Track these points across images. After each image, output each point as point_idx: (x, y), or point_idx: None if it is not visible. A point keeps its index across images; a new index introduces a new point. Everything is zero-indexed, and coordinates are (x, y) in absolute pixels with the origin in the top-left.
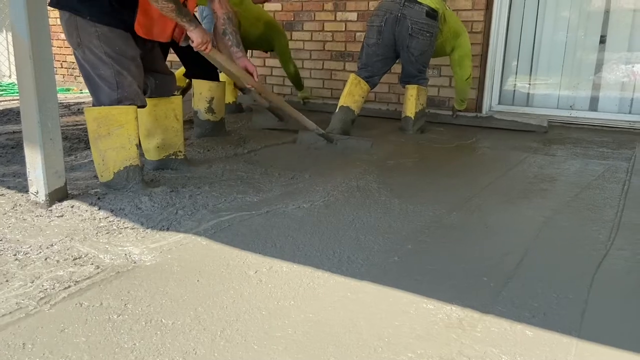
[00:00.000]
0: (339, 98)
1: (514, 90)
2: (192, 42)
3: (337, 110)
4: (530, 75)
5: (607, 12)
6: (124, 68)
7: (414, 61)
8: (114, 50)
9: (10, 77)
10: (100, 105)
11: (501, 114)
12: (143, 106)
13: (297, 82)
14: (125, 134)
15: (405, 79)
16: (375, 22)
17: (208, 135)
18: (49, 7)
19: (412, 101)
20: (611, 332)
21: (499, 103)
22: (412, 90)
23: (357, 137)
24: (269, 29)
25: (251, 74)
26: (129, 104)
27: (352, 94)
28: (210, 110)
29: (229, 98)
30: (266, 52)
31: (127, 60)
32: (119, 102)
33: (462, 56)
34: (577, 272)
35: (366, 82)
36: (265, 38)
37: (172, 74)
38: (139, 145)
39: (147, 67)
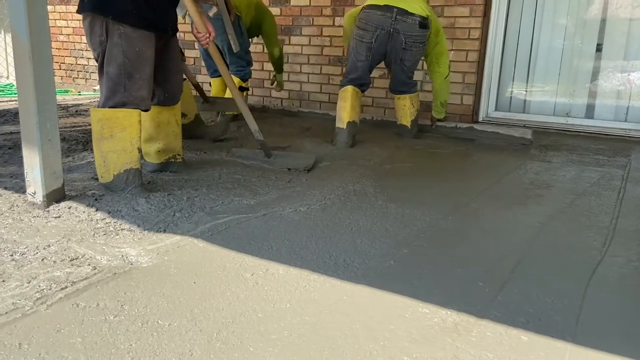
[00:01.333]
0: (336, 103)
1: (511, 97)
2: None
3: (344, 126)
4: (527, 82)
5: (603, 21)
6: (138, 70)
7: (405, 70)
8: (132, 51)
9: (7, 78)
10: (104, 105)
11: (483, 126)
12: (146, 110)
13: (279, 65)
14: (127, 138)
15: (398, 88)
16: (365, 39)
17: (193, 138)
18: (50, 8)
19: (405, 111)
20: (605, 338)
21: (496, 109)
22: (404, 101)
23: (299, 154)
24: (259, 12)
25: (208, 31)
26: (133, 108)
27: (355, 107)
28: (181, 115)
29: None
30: (257, 36)
31: (143, 62)
32: (123, 104)
33: (441, 53)
34: (572, 277)
35: (361, 91)
36: (255, 22)
37: (182, 85)
38: (140, 149)
39: (163, 77)
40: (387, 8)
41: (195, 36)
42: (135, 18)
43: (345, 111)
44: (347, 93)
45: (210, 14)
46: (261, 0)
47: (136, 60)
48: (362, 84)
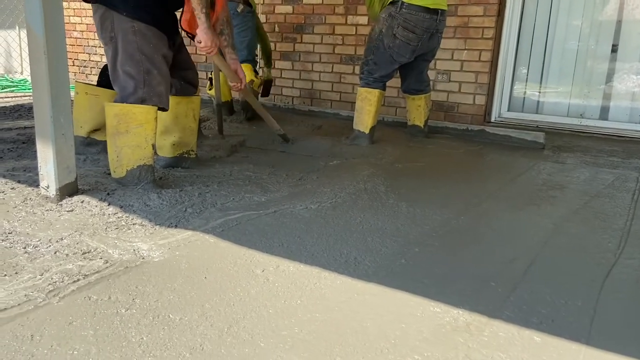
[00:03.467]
0: (348, 102)
1: (524, 98)
2: (200, 42)
3: (367, 131)
4: (541, 82)
5: (619, 22)
6: (155, 67)
7: (429, 65)
8: (148, 47)
9: (22, 73)
10: (123, 102)
11: (495, 128)
12: (164, 109)
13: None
14: (143, 134)
15: (417, 88)
16: (413, 42)
17: None
18: (64, 5)
19: (420, 111)
20: (620, 340)
21: (509, 110)
22: (419, 101)
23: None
24: None
25: (240, 79)
26: (152, 105)
27: (378, 111)
28: None
29: (227, 97)
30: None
31: (160, 58)
32: (142, 101)
33: None
34: (586, 279)
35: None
36: None
37: (197, 79)
38: (154, 146)
39: (177, 70)
40: (435, 11)
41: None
42: (149, 16)
43: (370, 116)
44: (375, 97)
45: (239, 10)
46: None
47: (152, 55)
48: (387, 82)
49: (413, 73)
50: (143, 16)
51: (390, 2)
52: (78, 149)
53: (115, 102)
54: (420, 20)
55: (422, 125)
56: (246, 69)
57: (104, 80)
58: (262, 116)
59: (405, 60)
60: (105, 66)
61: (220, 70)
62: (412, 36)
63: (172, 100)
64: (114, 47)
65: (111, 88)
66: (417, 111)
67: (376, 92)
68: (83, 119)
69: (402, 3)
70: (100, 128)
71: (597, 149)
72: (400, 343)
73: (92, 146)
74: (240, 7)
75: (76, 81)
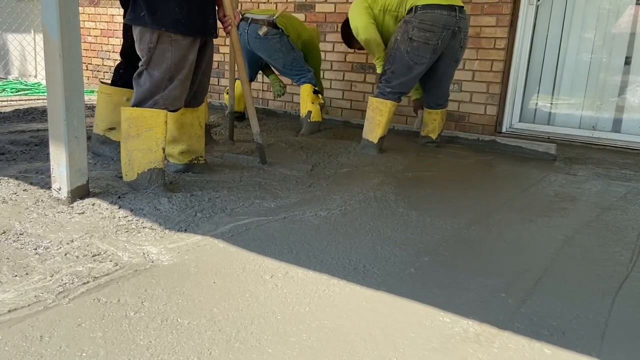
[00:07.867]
0: (358, 110)
1: (536, 109)
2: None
3: (376, 141)
4: (553, 94)
5: (632, 34)
6: (179, 73)
7: (453, 75)
8: (178, 55)
9: (35, 76)
10: (136, 104)
11: (506, 139)
12: (175, 110)
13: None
14: (153, 137)
15: (438, 102)
16: (431, 40)
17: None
18: (79, 9)
19: (435, 125)
20: (632, 354)
21: (520, 120)
22: (435, 115)
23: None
24: (307, 48)
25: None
26: (163, 108)
27: (389, 122)
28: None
29: (240, 107)
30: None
31: (185, 64)
32: (154, 103)
33: None
34: (597, 292)
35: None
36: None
37: (207, 87)
38: (164, 149)
39: (192, 78)
40: (451, 7)
41: (220, 20)
42: (186, 27)
43: (380, 127)
44: (387, 108)
45: (261, 33)
46: (314, 39)
47: (179, 64)
48: (405, 93)
49: (436, 85)
50: (180, 28)
51: (407, 12)
52: (94, 145)
53: (131, 104)
54: (437, 18)
55: (434, 137)
56: (304, 90)
57: (117, 78)
58: (249, 116)
59: (426, 62)
60: (119, 65)
61: (236, 78)
62: (429, 35)
63: (178, 111)
64: (150, 55)
65: (123, 87)
66: (432, 124)
67: (388, 103)
68: (100, 117)
69: (417, 6)
70: (116, 127)
71: (609, 162)
72: (409, 352)
73: (106, 145)
74: (263, 30)
75: (100, 81)
